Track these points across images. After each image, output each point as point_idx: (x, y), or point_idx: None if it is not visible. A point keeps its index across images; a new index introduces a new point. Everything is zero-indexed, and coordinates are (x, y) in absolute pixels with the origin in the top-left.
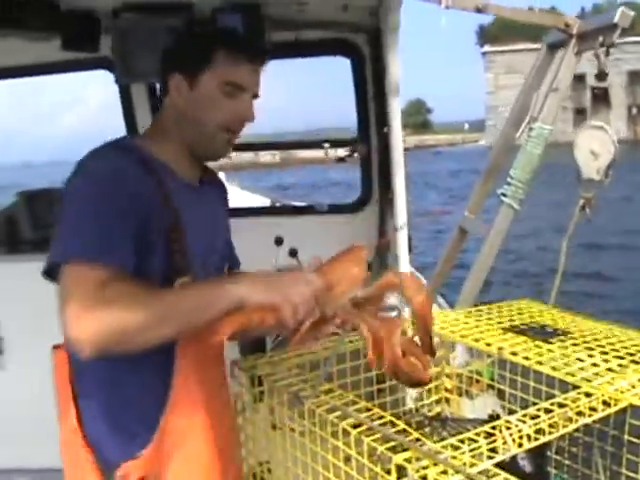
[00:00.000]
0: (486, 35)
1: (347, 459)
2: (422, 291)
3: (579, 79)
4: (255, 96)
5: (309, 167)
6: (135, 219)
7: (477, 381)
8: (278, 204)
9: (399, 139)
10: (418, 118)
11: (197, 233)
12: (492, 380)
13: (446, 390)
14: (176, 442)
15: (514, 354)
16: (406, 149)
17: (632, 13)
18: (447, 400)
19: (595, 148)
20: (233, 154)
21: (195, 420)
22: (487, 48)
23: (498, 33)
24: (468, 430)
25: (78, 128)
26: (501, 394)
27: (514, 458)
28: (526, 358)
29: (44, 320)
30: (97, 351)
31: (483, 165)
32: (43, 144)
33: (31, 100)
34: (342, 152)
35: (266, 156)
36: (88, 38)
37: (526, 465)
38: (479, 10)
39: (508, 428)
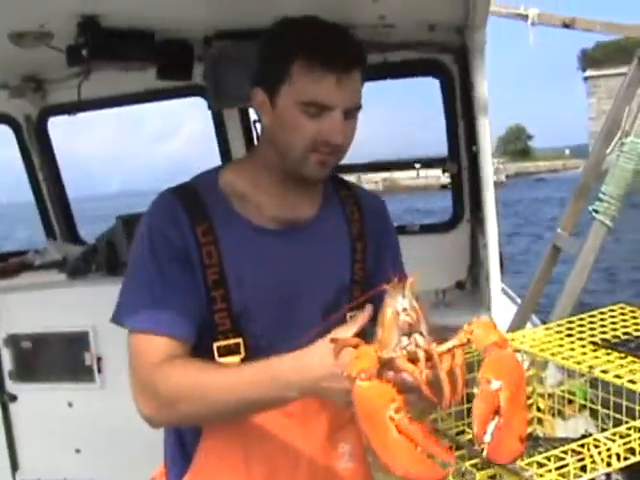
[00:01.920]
0: (588, 59)
1: None
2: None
3: None
4: (352, 110)
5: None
6: (184, 281)
7: (570, 401)
8: None
9: (488, 157)
10: (518, 145)
11: (262, 285)
12: (586, 400)
13: (539, 410)
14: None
15: (605, 372)
16: (506, 177)
17: None
18: (540, 421)
19: None
20: None
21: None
22: (590, 72)
23: (600, 57)
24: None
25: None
26: (595, 414)
27: (609, 477)
28: (617, 376)
29: None
30: (158, 427)
31: None
32: (142, 173)
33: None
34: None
35: (370, 183)
36: (181, 66)
37: None
38: (566, 25)
39: (597, 447)
